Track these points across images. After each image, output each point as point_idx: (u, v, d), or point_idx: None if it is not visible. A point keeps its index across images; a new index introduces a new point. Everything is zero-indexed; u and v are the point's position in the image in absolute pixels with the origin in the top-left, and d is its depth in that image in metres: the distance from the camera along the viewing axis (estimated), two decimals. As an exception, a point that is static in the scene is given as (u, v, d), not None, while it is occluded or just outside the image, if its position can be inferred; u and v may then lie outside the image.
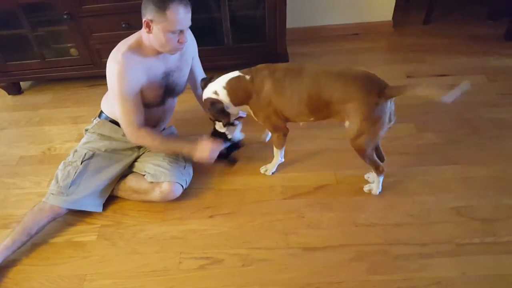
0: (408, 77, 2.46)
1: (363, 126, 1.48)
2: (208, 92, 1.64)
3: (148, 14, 1.45)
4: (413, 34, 2.93)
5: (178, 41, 1.52)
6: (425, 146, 1.98)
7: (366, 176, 1.83)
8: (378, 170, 1.66)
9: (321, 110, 1.56)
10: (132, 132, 1.67)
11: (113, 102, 1.64)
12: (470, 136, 2.01)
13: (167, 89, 1.73)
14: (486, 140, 1.97)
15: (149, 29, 1.49)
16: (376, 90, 1.42)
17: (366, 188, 1.77)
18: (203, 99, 1.69)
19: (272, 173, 1.89)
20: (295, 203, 1.76)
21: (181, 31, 1.51)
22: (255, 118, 1.71)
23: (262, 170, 1.90)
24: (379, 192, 1.75)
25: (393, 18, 2.95)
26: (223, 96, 1.62)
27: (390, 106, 1.48)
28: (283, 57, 2.49)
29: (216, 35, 2.43)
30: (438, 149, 1.95)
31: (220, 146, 1.74)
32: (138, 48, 1.57)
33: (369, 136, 1.51)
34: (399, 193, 1.75)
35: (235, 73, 1.63)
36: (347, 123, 1.54)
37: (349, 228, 1.63)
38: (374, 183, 1.75)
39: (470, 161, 1.87)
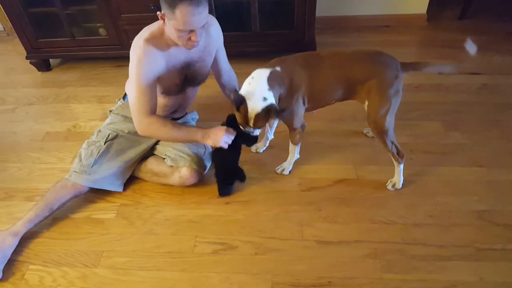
0: (439, 73, 2.38)
1: (385, 100, 1.52)
2: (258, 103, 1.43)
3: (162, 7, 1.43)
4: (447, 29, 2.83)
5: (189, 38, 1.47)
6: (451, 145, 1.92)
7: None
8: (399, 155, 1.64)
9: (344, 91, 1.59)
10: (142, 120, 1.60)
11: (130, 85, 1.62)
12: (499, 139, 1.93)
13: (187, 78, 1.71)
14: (515, 144, 1.90)
15: (164, 22, 1.46)
16: (394, 65, 1.51)
17: (389, 185, 1.74)
18: (255, 114, 1.45)
19: (289, 172, 1.84)
20: (312, 196, 1.74)
21: (192, 31, 1.45)
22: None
23: (278, 170, 1.85)
24: (401, 186, 1.72)
25: (427, 11, 2.85)
26: (271, 98, 1.44)
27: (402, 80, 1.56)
28: (310, 46, 2.44)
29: (243, 20, 2.41)
30: (464, 149, 1.89)
31: (233, 133, 1.65)
32: (160, 36, 1.55)
33: (391, 110, 1.54)
34: (421, 193, 1.71)
35: (266, 71, 1.46)
36: (366, 104, 1.56)
37: (366, 224, 1.61)
38: (395, 176, 1.72)
39: (496, 164, 1.80)
